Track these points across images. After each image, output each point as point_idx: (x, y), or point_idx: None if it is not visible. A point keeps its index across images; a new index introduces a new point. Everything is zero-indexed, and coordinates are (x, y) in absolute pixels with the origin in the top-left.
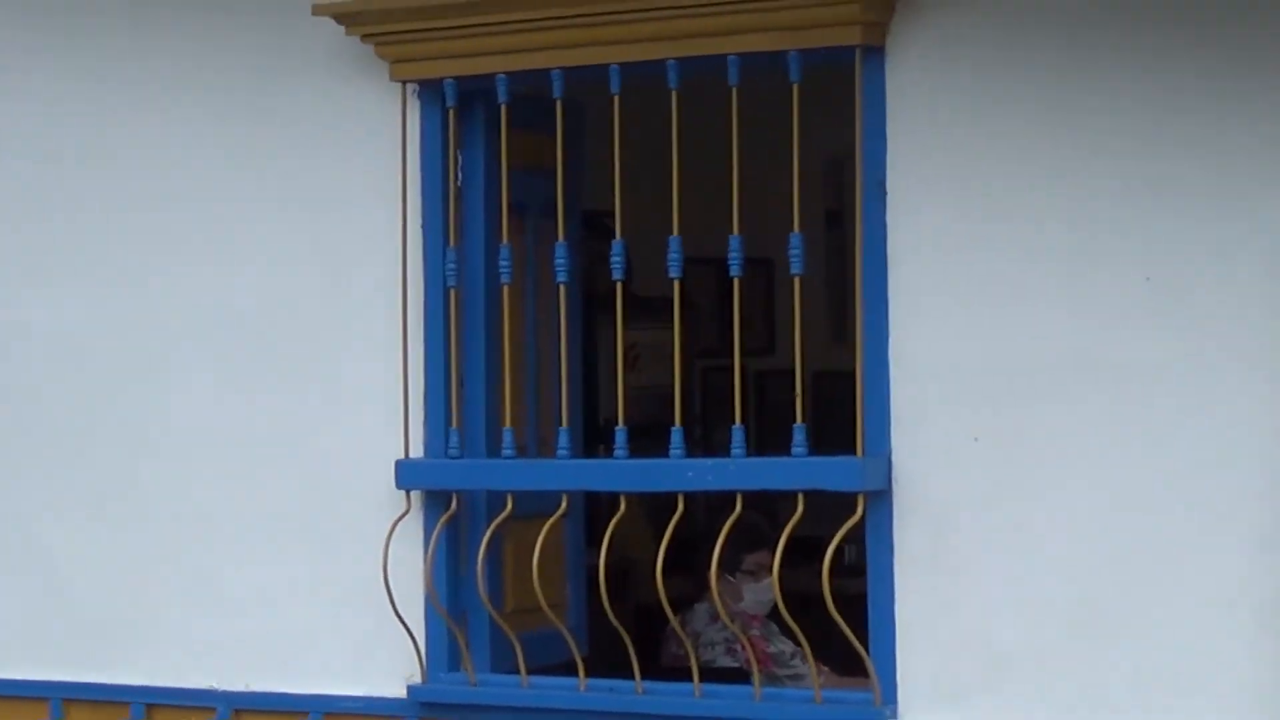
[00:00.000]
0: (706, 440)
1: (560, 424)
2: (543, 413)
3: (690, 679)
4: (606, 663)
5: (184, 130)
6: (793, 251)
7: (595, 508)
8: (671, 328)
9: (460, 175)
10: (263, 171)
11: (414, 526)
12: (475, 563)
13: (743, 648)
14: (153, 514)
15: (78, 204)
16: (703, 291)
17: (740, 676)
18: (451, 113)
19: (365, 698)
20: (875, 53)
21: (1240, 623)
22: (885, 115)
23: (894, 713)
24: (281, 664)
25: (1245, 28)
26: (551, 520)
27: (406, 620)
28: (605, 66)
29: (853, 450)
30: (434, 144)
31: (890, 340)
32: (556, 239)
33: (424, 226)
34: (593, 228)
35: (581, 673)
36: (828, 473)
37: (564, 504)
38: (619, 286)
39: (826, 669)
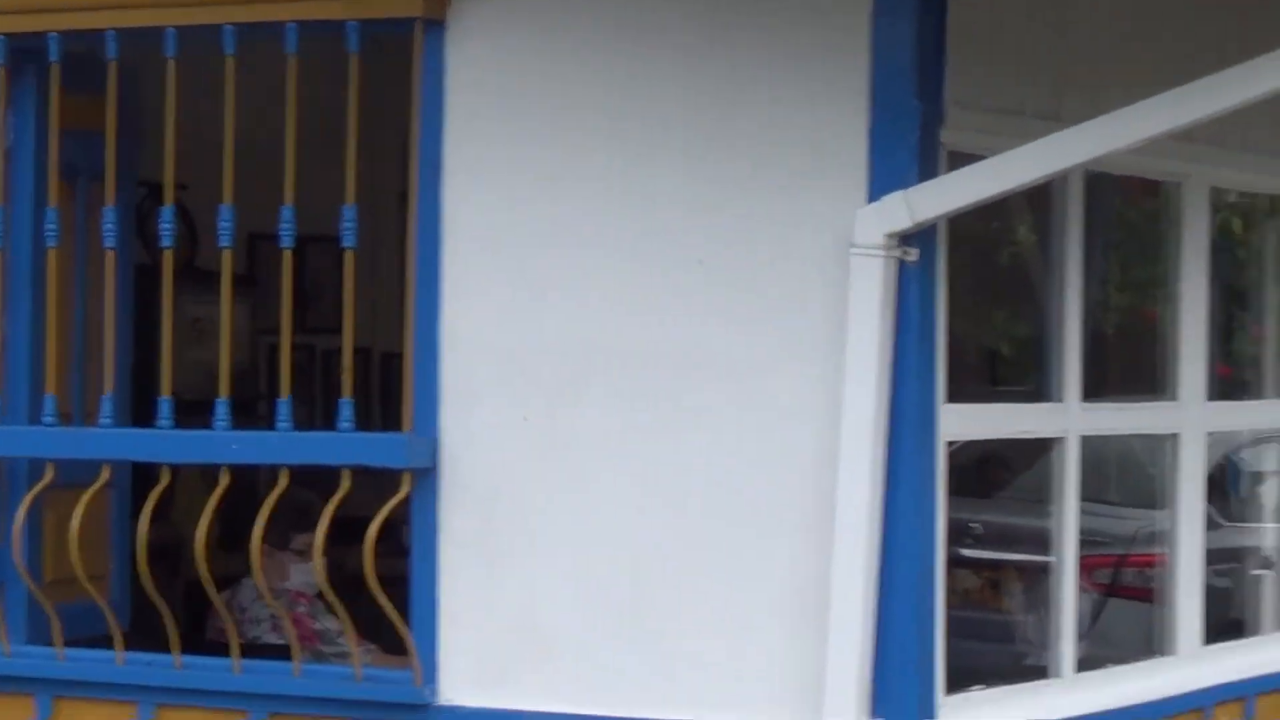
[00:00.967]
0: (270, 416)
1: (108, 390)
2: (91, 381)
3: (229, 654)
4: (153, 636)
5: None
6: (346, 225)
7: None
8: (240, 302)
9: (10, 135)
10: None
11: None
12: (10, 532)
13: (286, 624)
14: None
15: None
16: (267, 264)
17: (286, 653)
18: (1, 71)
19: None
20: (436, 26)
21: (784, 611)
22: (443, 91)
23: (434, 692)
24: None
25: (804, 28)
26: (91, 491)
27: None
28: (161, 29)
29: (398, 425)
30: None
31: (442, 320)
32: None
33: None
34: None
35: (119, 645)
36: (371, 448)
37: (105, 474)
38: (168, 255)
39: (375, 647)
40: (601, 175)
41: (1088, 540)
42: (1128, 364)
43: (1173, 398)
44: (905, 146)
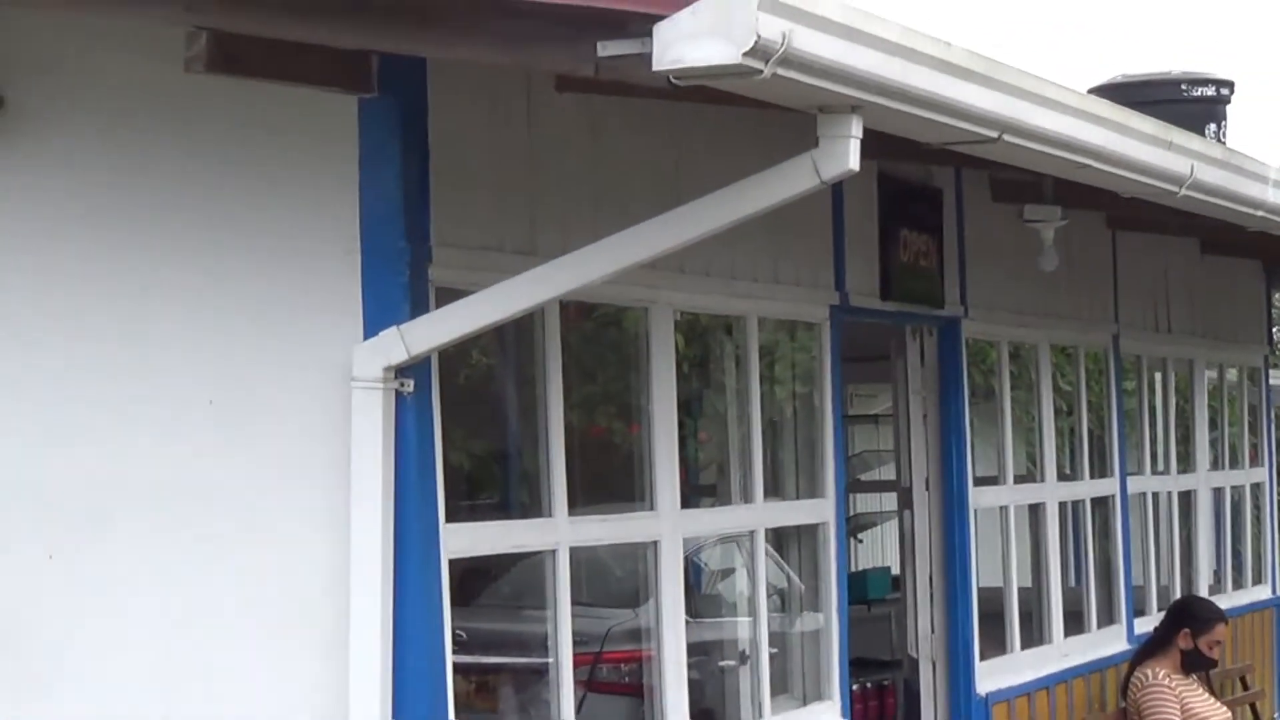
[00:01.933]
0: None
1: None
2: None
3: None
4: None
5: None
6: None
7: None
8: None
9: None
10: None
11: None
12: None
13: None
14: None
15: None
16: None
17: None
18: None
19: None
20: None
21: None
22: None
23: None
24: None
25: (298, 175)
26: None
27: None
28: None
29: None
30: None
31: None
32: None
33: None
34: None
35: None
36: None
37: None
38: None
39: None
40: (113, 320)
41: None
42: (605, 474)
43: (651, 508)
44: (396, 285)
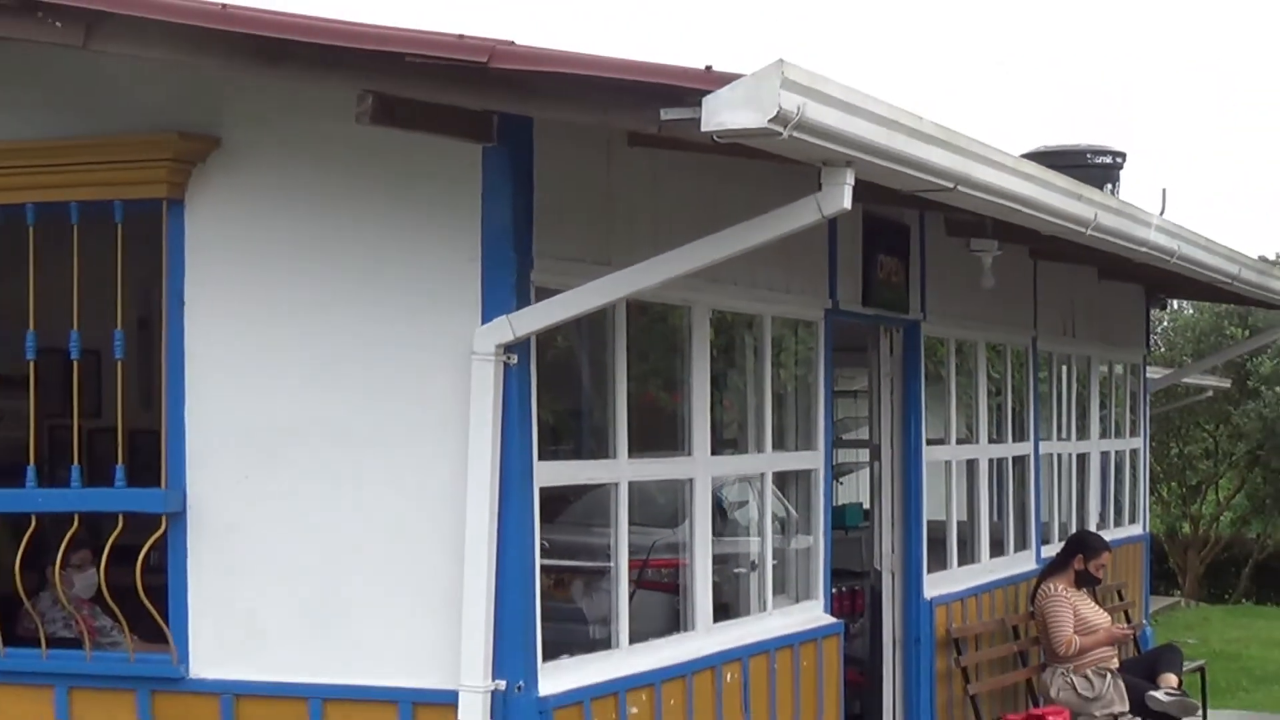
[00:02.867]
0: (52, 476)
1: None
2: None
3: (39, 644)
4: None
5: None
6: (116, 343)
7: None
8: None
9: None
10: None
11: None
12: None
13: (76, 623)
14: None
15: None
16: (52, 370)
17: (77, 644)
18: None
19: None
20: (177, 203)
21: (433, 603)
22: (184, 248)
23: (186, 669)
24: None
25: (437, 205)
26: None
27: None
28: None
29: (158, 483)
30: None
31: (186, 405)
32: None
33: None
34: None
35: None
36: (140, 499)
37: None
38: None
39: (137, 638)
40: (300, 308)
41: None
42: (655, 428)
43: (688, 454)
44: (506, 285)
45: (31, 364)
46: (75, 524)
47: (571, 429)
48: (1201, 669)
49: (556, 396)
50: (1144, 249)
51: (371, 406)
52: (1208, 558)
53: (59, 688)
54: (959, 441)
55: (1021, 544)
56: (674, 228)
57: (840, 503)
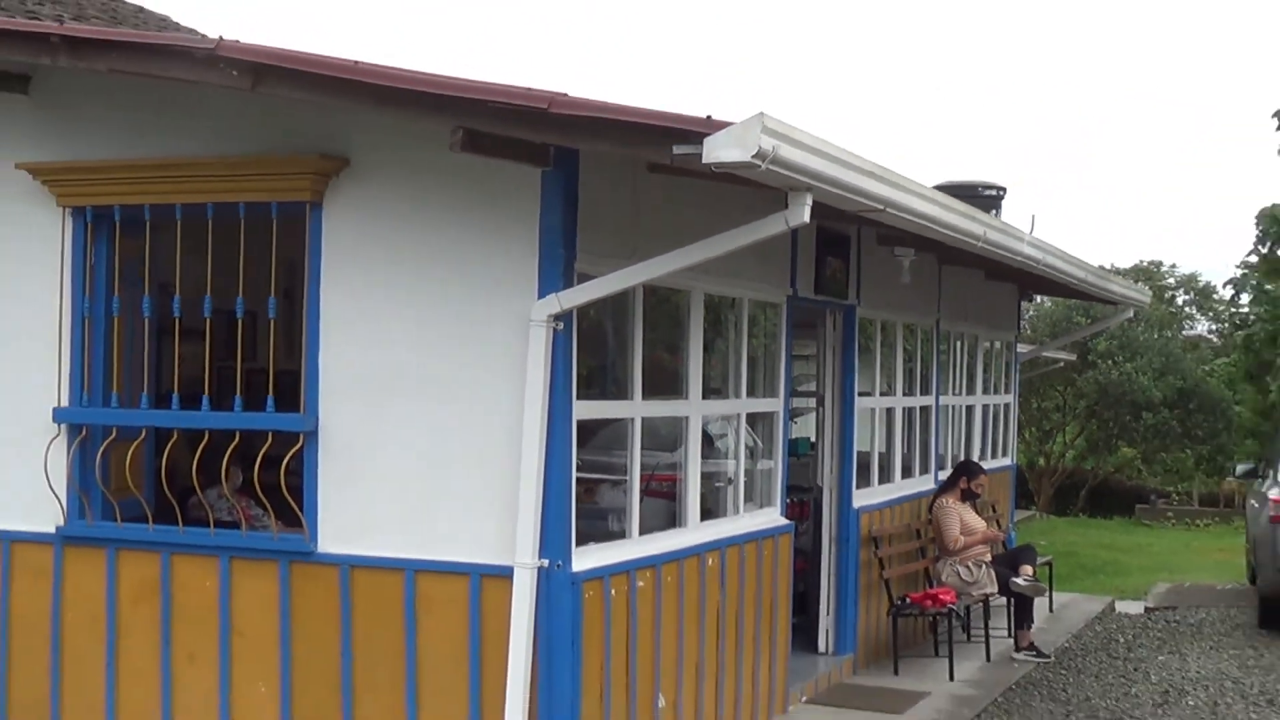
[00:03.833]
0: (220, 403)
1: (143, 391)
2: (134, 385)
3: (208, 525)
4: (167, 517)
5: None
6: (270, 307)
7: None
8: (202, 345)
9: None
10: None
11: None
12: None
13: (237, 511)
14: None
15: None
16: (221, 326)
17: (237, 526)
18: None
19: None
20: (317, 206)
21: (496, 500)
22: (322, 239)
23: (316, 545)
24: None
25: (506, 214)
26: (136, 442)
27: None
28: (172, 206)
29: (298, 410)
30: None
31: (320, 354)
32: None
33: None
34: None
35: (150, 521)
36: (285, 421)
37: (142, 433)
38: (176, 322)
39: (280, 522)
40: (403, 287)
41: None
42: (661, 379)
43: (685, 398)
44: (556, 272)
45: (207, 321)
46: (236, 439)
47: (600, 378)
48: (1050, 563)
49: (590, 354)
50: (1019, 259)
51: (454, 359)
52: (1056, 483)
53: (222, 558)
54: (881, 394)
55: (924, 469)
56: (680, 234)
57: (794, 436)
